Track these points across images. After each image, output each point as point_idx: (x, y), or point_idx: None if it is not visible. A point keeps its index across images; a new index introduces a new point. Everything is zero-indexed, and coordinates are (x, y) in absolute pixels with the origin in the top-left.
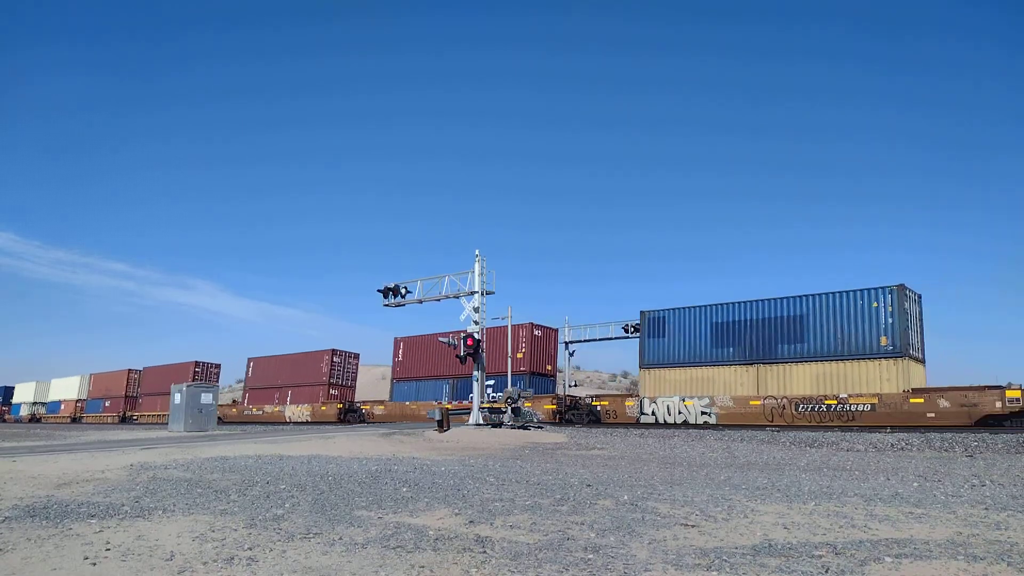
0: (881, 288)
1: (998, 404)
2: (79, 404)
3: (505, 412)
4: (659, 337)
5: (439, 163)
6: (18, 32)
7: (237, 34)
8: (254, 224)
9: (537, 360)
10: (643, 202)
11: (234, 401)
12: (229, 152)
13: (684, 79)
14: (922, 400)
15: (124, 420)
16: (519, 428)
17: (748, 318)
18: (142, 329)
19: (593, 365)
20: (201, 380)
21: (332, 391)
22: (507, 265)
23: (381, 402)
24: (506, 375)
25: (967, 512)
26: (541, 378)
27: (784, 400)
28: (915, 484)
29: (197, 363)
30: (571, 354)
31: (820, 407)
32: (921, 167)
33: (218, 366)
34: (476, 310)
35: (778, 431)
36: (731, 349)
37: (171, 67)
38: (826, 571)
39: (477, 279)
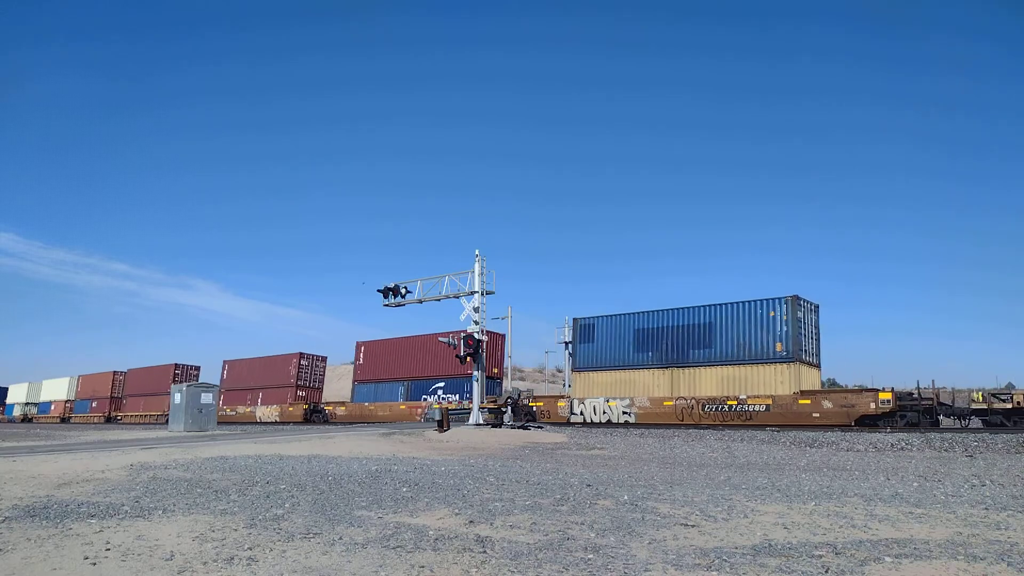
0: (777, 299)
1: (872, 405)
2: (68, 405)
3: (505, 412)
4: (589, 343)
5: (439, 163)
6: (18, 32)
7: (237, 34)
8: (254, 224)
9: (485, 364)
10: (643, 202)
11: None
12: (229, 152)
13: (684, 79)
14: (809, 401)
15: (109, 420)
16: (519, 428)
17: (665, 325)
18: (142, 329)
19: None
20: (181, 382)
21: (300, 392)
22: (507, 265)
23: (343, 403)
24: (458, 378)
25: (967, 512)
26: (488, 380)
27: (692, 400)
28: (915, 484)
29: (177, 365)
30: (571, 354)
31: (723, 407)
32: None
33: (197, 368)
34: (476, 310)
35: (778, 431)
36: (650, 354)
37: (171, 67)
38: (826, 571)
39: (477, 279)
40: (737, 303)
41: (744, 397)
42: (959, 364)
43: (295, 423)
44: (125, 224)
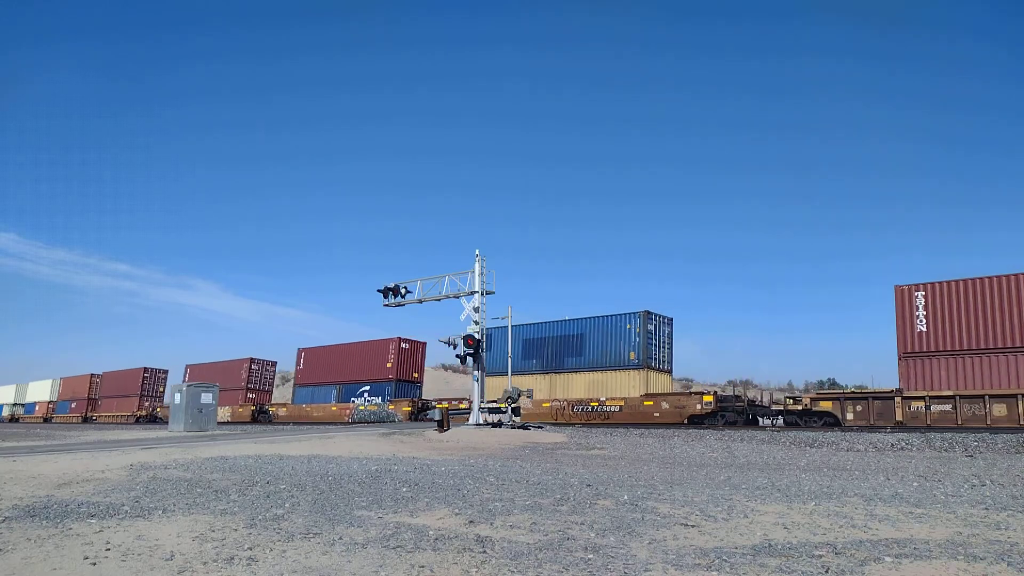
0: (633, 313)
1: (698, 406)
2: (51, 406)
3: (505, 412)
4: (489, 351)
5: (439, 163)
6: (18, 32)
7: (237, 34)
8: (254, 224)
9: (405, 369)
10: (643, 202)
11: None
12: (229, 152)
13: (684, 79)
14: (651, 403)
15: (86, 420)
16: (519, 428)
17: (547, 336)
18: (143, 329)
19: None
20: (149, 384)
21: (250, 394)
22: (507, 265)
23: (284, 404)
24: (381, 382)
25: (967, 512)
26: (408, 384)
27: (565, 402)
28: (915, 484)
29: (145, 369)
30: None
31: (588, 407)
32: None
33: (165, 371)
34: (476, 310)
35: (778, 431)
36: (534, 361)
37: (171, 67)
38: (826, 571)
39: (477, 279)
40: (602, 316)
41: (604, 399)
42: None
43: (244, 423)
44: (125, 224)
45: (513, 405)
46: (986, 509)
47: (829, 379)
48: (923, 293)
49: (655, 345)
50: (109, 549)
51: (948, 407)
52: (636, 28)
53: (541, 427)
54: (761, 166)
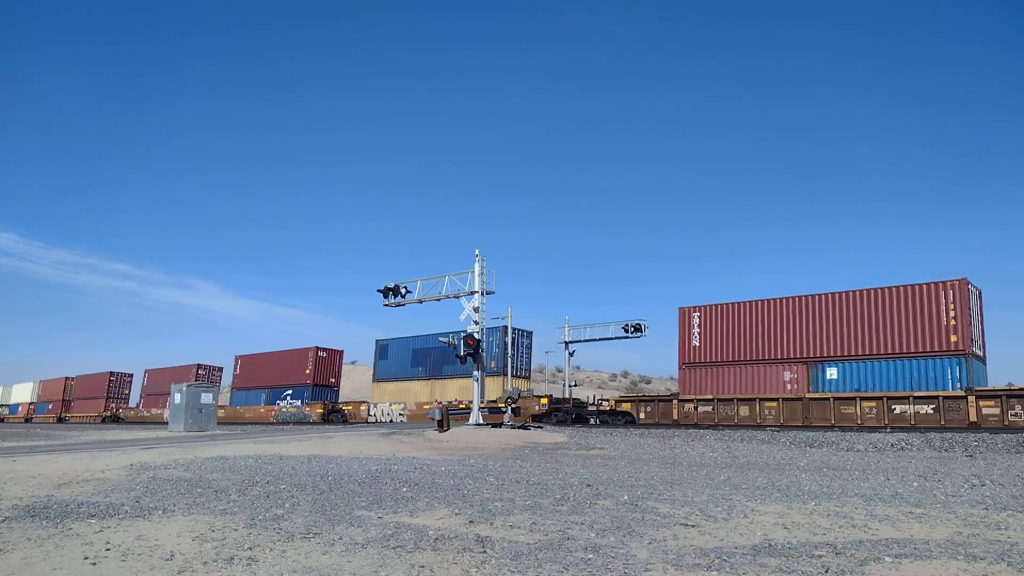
0: (494, 328)
1: (536, 407)
2: (31, 407)
3: (505, 412)
4: (384, 359)
5: (439, 163)
6: (18, 32)
7: (237, 34)
8: (254, 224)
9: (323, 375)
10: (644, 202)
11: (138, 404)
12: (229, 151)
13: (684, 79)
14: (503, 405)
15: (60, 420)
16: (519, 428)
17: (430, 347)
18: (143, 329)
19: (594, 365)
20: (115, 389)
21: None
22: (507, 265)
23: (223, 406)
24: (301, 387)
25: (967, 512)
26: (324, 388)
27: (440, 404)
28: (915, 484)
29: (112, 373)
30: (571, 354)
31: (458, 409)
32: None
33: (130, 375)
34: (476, 310)
35: (778, 431)
36: (420, 368)
37: (171, 66)
38: (826, 571)
39: (477, 279)
40: (433, 334)
41: (467, 401)
42: None
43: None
44: (125, 224)
45: (513, 405)
46: (986, 509)
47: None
48: (699, 314)
49: (512, 356)
50: (109, 549)
51: (709, 408)
52: (636, 28)
53: (541, 427)
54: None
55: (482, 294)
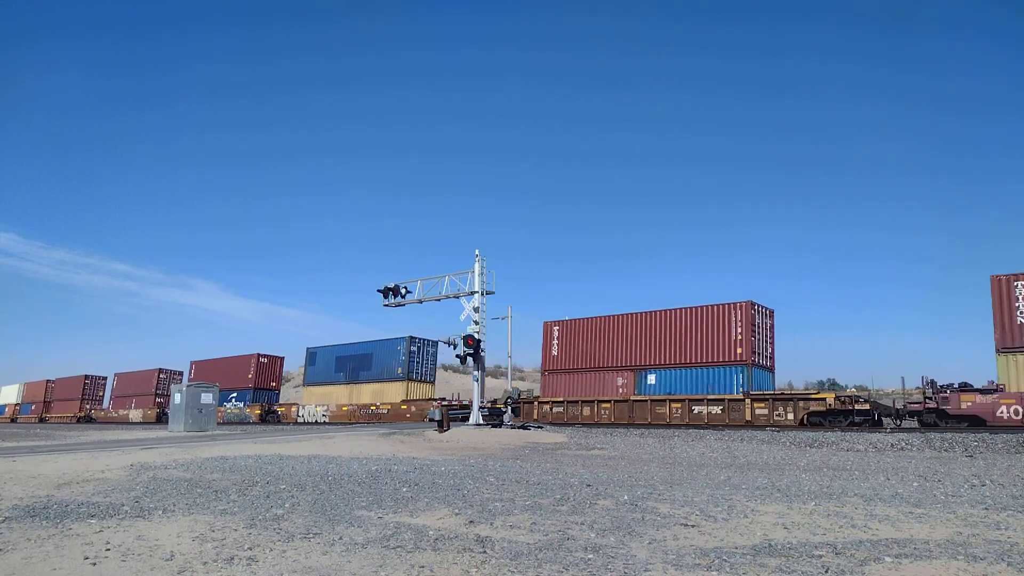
0: (399, 338)
1: (434, 409)
2: (16, 407)
3: (505, 412)
4: (313, 365)
5: (439, 163)
6: (18, 32)
7: (237, 34)
8: (254, 224)
9: (263, 379)
10: (644, 202)
11: (109, 406)
12: (229, 151)
13: (684, 79)
14: (406, 407)
15: (42, 420)
16: (519, 428)
17: (349, 354)
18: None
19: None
20: (89, 391)
21: (158, 399)
22: (507, 265)
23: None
24: (244, 390)
25: (967, 512)
26: (265, 391)
27: (356, 406)
28: (915, 484)
29: (87, 376)
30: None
31: (369, 410)
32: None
33: (104, 378)
34: (476, 310)
35: (779, 431)
36: (341, 374)
37: (171, 66)
38: (826, 571)
39: (477, 279)
40: (381, 340)
41: (379, 403)
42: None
43: (150, 422)
44: (125, 224)
45: (513, 405)
46: (986, 509)
47: (829, 379)
48: (558, 328)
49: (417, 362)
50: (109, 549)
51: (561, 409)
52: (636, 28)
53: (541, 427)
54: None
55: (482, 294)
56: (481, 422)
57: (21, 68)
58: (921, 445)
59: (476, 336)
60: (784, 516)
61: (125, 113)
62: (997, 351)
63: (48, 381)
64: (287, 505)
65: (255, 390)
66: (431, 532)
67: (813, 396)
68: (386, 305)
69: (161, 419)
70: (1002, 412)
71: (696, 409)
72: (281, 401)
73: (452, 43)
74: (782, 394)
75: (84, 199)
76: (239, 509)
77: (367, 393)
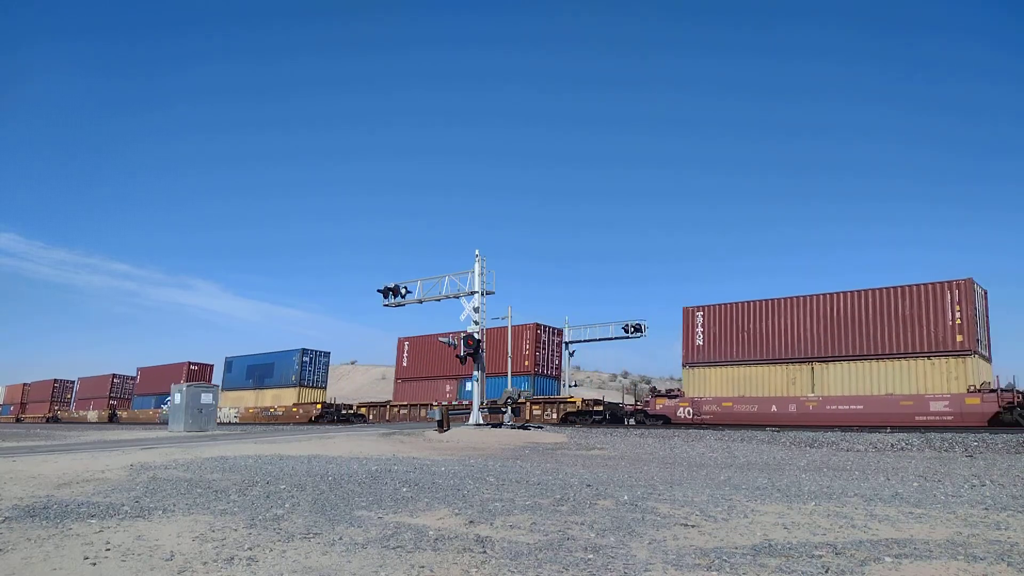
0: (294, 350)
1: (313, 412)
2: None
3: (505, 412)
4: (230, 372)
5: (439, 163)
6: (18, 32)
7: (237, 34)
8: (255, 224)
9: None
10: (643, 202)
11: (73, 407)
12: (230, 152)
13: (684, 79)
14: (296, 409)
15: (18, 420)
16: (519, 428)
17: (257, 363)
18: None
19: (594, 365)
20: (58, 393)
21: (112, 401)
22: (507, 265)
23: (127, 409)
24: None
25: (967, 512)
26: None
27: (259, 409)
28: (915, 484)
29: (56, 380)
30: (571, 354)
31: (268, 412)
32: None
33: (72, 382)
34: (476, 310)
35: (778, 431)
36: (250, 380)
37: (171, 67)
38: (826, 571)
39: (477, 279)
40: (279, 352)
41: (276, 406)
42: None
43: (104, 422)
44: (126, 224)
45: (513, 405)
46: (986, 509)
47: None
48: (408, 343)
49: (309, 371)
50: (109, 549)
51: (406, 411)
52: (636, 28)
53: (541, 427)
54: (761, 166)
55: (482, 294)
56: (481, 422)
57: (21, 68)
58: (921, 445)
59: (476, 336)
60: (784, 516)
61: (125, 113)
62: (683, 365)
63: (25, 384)
64: (287, 505)
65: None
66: (431, 532)
67: (568, 400)
68: (386, 305)
69: (113, 419)
70: (680, 412)
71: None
72: None
73: (452, 44)
74: (549, 399)
75: (84, 199)
76: (239, 509)
77: (268, 397)
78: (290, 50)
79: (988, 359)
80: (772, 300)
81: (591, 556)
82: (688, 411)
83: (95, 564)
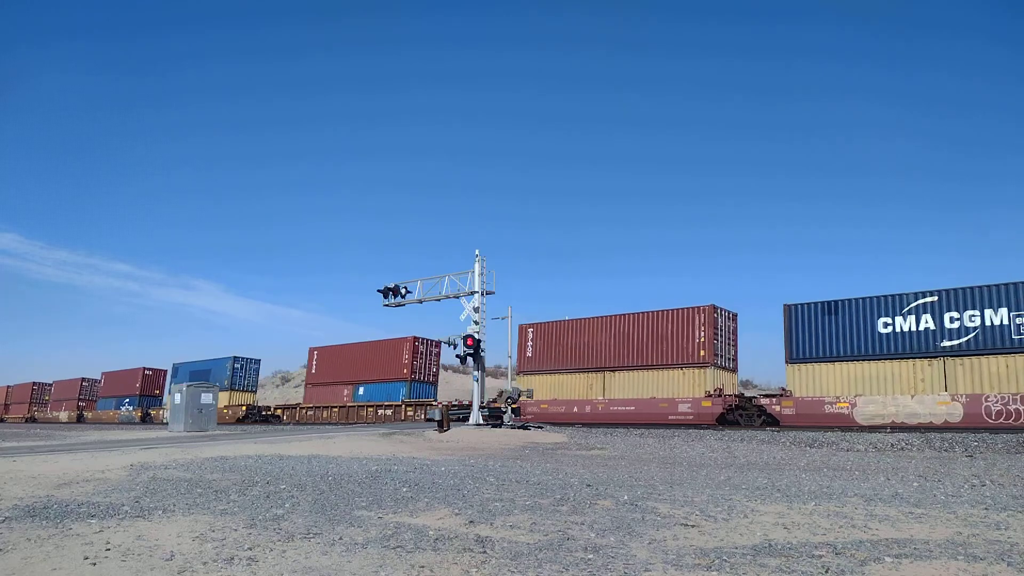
0: (228, 357)
1: (243, 409)
2: None
3: (505, 412)
4: (175, 377)
5: (439, 163)
6: (18, 32)
7: (237, 34)
8: (254, 224)
9: (148, 388)
10: (643, 202)
11: (48, 409)
12: (230, 151)
13: (683, 79)
14: (227, 410)
15: (1, 421)
16: (519, 428)
17: (197, 369)
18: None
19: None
20: (37, 395)
21: (80, 403)
22: (508, 265)
23: (91, 410)
24: (134, 396)
25: (967, 512)
26: (149, 398)
27: (440, 404)
28: (915, 484)
29: (34, 383)
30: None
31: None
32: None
33: (51, 384)
34: (476, 310)
35: (778, 431)
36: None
37: (172, 66)
38: (826, 571)
39: (477, 279)
40: (215, 359)
41: (229, 406)
42: None
43: (72, 422)
44: (127, 224)
45: (513, 405)
46: (986, 509)
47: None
48: (317, 352)
49: (240, 376)
50: (109, 549)
51: (312, 413)
52: (636, 29)
53: (541, 427)
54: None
55: (482, 294)
56: (481, 422)
57: (21, 68)
58: (921, 445)
59: (476, 336)
60: (784, 516)
61: (126, 113)
62: (517, 373)
63: (8, 387)
64: (287, 505)
65: (140, 396)
66: (431, 532)
67: (434, 402)
68: (386, 305)
69: (80, 420)
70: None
71: (382, 411)
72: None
73: (454, 43)
74: (417, 401)
75: (85, 199)
76: (239, 509)
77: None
78: (290, 50)
79: (732, 370)
80: (578, 320)
81: (591, 556)
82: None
83: (95, 564)
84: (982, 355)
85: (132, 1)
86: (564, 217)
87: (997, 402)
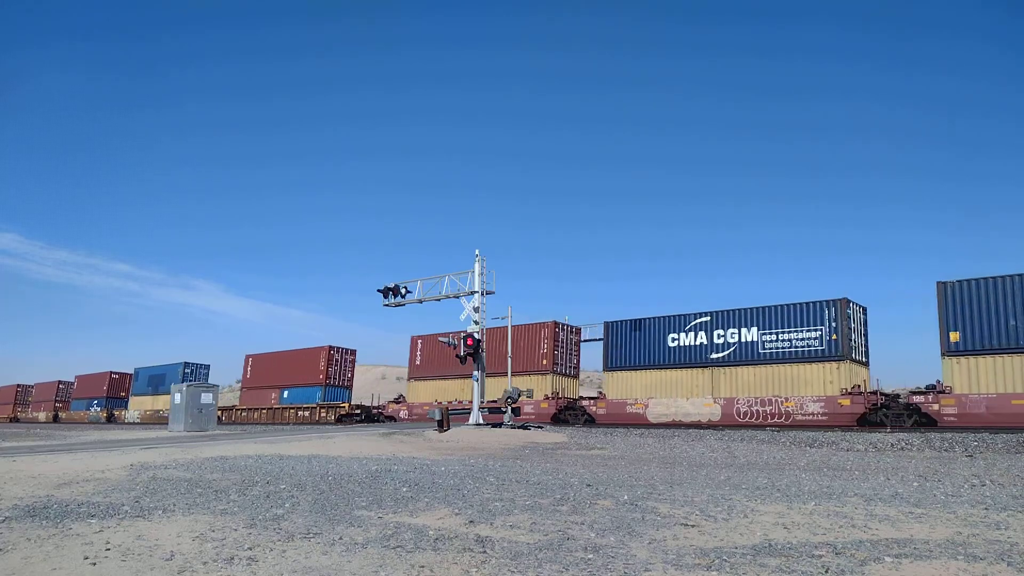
0: (181, 363)
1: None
2: None
3: (505, 412)
4: (137, 380)
5: (439, 163)
6: (18, 32)
7: (237, 34)
8: (255, 224)
9: (114, 390)
10: (643, 202)
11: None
12: (231, 152)
13: (683, 79)
14: (503, 405)
15: None
16: (519, 428)
17: (155, 373)
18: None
19: (594, 364)
20: (21, 397)
21: (57, 404)
22: (508, 265)
23: (66, 411)
24: (101, 398)
25: (967, 512)
26: (115, 400)
27: (153, 411)
28: (915, 484)
29: (19, 385)
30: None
31: (158, 414)
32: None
33: (33, 386)
34: (476, 310)
35: (778, 431)
36: (150, 388)
37: (172, 66)
38: (826, 571)
39: (477, 279)
40: (169, 364)
41: (164, 410)
42: None
43: (49, 422)
44: (127, 224)
45: (513, 405)
46: (986, 509)
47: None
48: (252, 359)
49: (191, 380)
50: (109, 549)
51: (246, 413)
52: (635, 29)
53: (541, 427)
54: (761, 167)
55: (482, 294)
56: (481, 422)
57: (21, 68)
58: (921, 445)
59: (476, 336)
60: (784, 516)
61: (126, 113)
62: (407, 379)
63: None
64: (287, 505)
65: (107, 398)
66: (431, 532)
67: (341, 405)
68: (386, 305)
69: (56, 420)
70: (402, 414)
71: (300, 413)
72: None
73: (452, 44)
74: (330, 404)
75: (85, 199)
76: (239, 509)
77: (160, 402)
78: (291, 50)
79: (575, 376)
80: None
81: (591, 556)
82: (405, 412)
83: (95, 564)
84: (738, 366)
85: (132, 1)
86: (564, 217)
87: (744, 404)
